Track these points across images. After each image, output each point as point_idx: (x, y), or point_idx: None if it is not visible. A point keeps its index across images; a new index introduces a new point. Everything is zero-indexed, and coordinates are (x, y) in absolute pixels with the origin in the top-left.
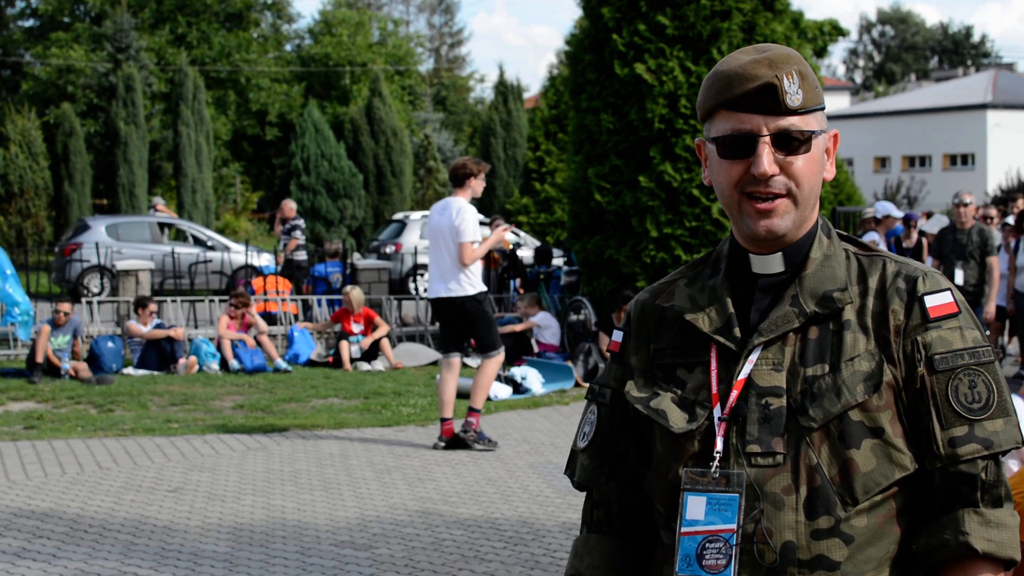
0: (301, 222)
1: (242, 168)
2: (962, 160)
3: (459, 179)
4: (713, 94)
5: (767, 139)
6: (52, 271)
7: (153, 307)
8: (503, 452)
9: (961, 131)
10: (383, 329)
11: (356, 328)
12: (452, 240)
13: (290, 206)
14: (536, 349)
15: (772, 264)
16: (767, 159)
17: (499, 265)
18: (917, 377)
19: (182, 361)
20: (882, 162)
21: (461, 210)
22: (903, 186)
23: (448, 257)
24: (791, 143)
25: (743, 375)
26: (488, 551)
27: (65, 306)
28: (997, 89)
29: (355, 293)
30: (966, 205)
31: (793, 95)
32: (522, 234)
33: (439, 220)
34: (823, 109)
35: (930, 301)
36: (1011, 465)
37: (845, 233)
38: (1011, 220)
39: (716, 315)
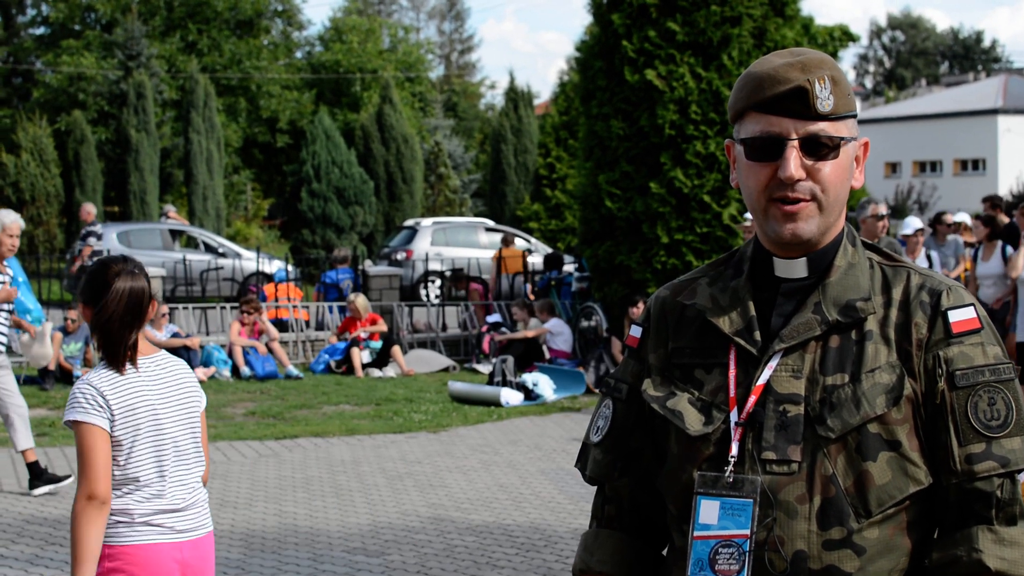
0: (98, 228)
1: (253, 175)
2: (973, 165)
3: None
4: (744, 95)
5: (795, 143)
6: (64, 278)
7: (164, 309)
8: (515, 458)
9: (972, 136)
10: (382, 325)
11: (365, 334)
12: None
13: (87, 210)
14: (547, 355)
15: (796, 269)
16: (794, 163)
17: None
18: (937, 392)
19: (198, 370)
20: (893, 167)
21: None
22: (914, 191)
23: None
24: (820, 148)
25: (762, 380)
26: (500, 557)
27: (75, 313)
28: (1008, 94)
29: (360, 300)
30: (882, 218)
31: (824, 100)
32: (533, 240)
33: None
34: (855, 116)
35: (953, 316)
36: None
37: (869, 242)
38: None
39: (738, 317)
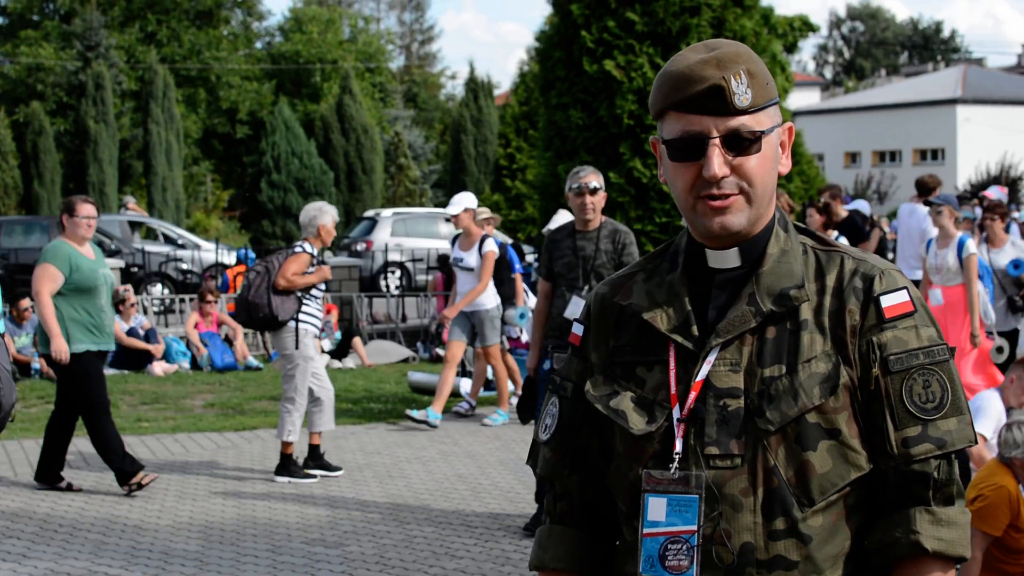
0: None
1: (213, 166)
2: (932, 155)
3: (928, 189)
4: (662, 95)
5: (717, 140)
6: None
7: (133, 299)
8: (474, 448)
9: (931, 126)
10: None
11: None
12: (920, 239)
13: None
14: (507, 346)
15: (728, 259)
16: (717, 161)
17: None
18: (871, 378)
19: (157, 365)
20: (852, 157)
21: (927, 215)
22: (873, 181)
23: (914, 252)
24: (741, 143)
25: (701, 376)
26: (459, 547)
27: (25, 302)
28: (967, 84)
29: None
30: (593, 192)
31: (742, 95)
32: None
33: (909, 221)
34: (776, 104)
35: (885, 301)
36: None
37: (802, 226)
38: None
39: (674, 313)
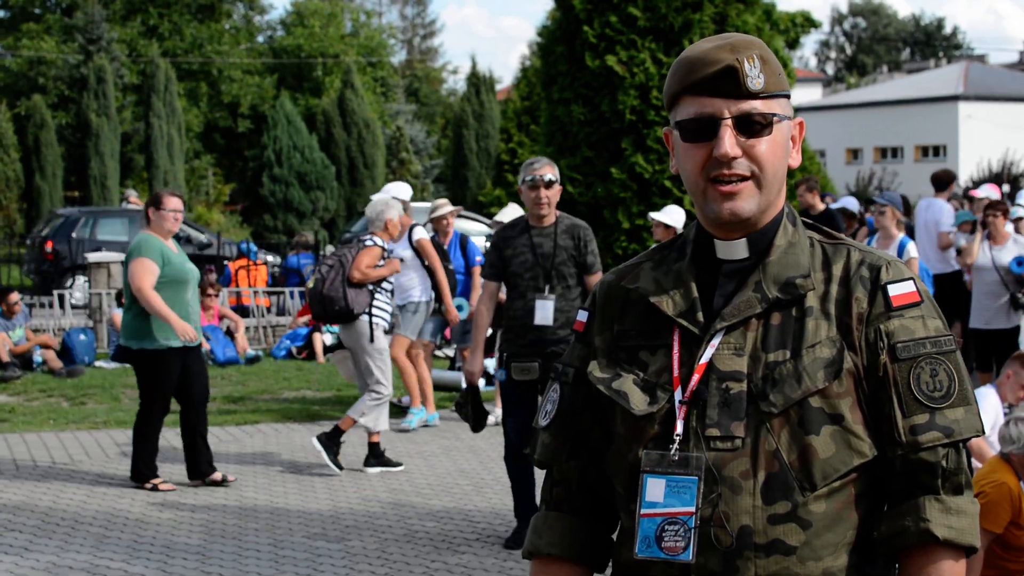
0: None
1: (214, 160)
2: (934, 151)
3: (943, 184)
4: (677, 80)
5: (729, 122)
6: (24, 264)
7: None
8: (476, 443)
9: (933, 123)
10: None
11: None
12: (935, 229)
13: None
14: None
15: (737, 250)
16: (729, 141)
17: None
18: (879, 365)
19: None
20: (854, 154)
21: (942, 208)
22: (875, 177)
23: (931, 244)
24: (753, 126)
25: (705, 359)
26: (461, 542)
27: (14, 296)
28: (969, 81)
29: None
30: (548, 185)
31: (754, 78)
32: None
33: (926, 216)
34: (787, 96)
35: (893, 290)
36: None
37: (811, 221)
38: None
39: (680, 299)
